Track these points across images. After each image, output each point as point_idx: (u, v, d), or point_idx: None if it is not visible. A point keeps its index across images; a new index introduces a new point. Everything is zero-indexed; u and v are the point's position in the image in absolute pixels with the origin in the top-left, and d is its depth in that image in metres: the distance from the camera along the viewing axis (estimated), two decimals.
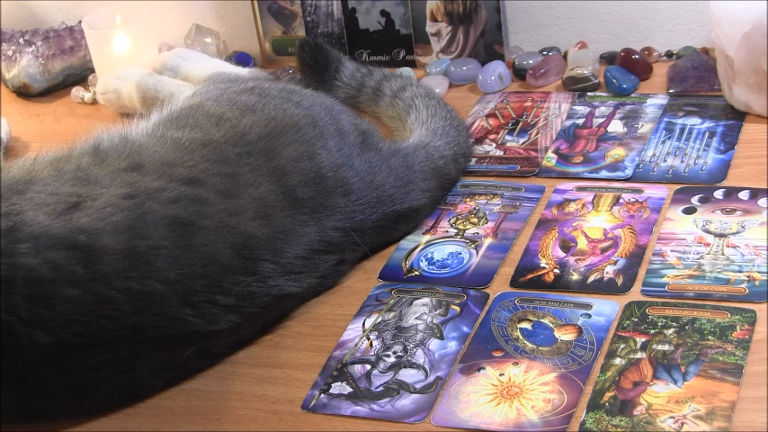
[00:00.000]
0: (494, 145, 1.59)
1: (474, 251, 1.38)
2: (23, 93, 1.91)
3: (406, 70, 1.77)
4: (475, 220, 1.43)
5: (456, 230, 1.42)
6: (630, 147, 1.53)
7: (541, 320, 1.25)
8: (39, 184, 1.24)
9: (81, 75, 1.93)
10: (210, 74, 1.68)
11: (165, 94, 1.67)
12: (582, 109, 1.64)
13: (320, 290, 1.34)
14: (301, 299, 1.33)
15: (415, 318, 1.29)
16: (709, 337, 1.19)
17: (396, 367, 1.22)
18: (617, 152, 1.53)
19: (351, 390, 1.20)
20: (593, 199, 1.43)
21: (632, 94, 1.65)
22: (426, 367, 1.22)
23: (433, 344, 1.25)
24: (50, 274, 1.15)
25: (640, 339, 1.20)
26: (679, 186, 1.43)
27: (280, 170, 1.33)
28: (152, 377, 1.23)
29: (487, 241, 1.39)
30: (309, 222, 1.32)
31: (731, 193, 1.40)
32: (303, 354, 1.27)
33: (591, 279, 1.30)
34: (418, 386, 1.20)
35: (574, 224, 1.40)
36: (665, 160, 1.49)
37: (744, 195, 1.39)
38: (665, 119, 1.58)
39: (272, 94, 1.44)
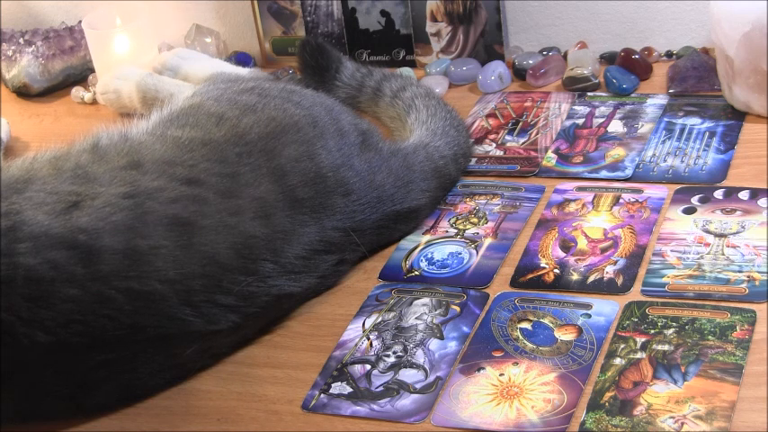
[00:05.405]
0: (494, 145, 1.59)
1: (474, 251, 1.38)
2: (23, 93, 1.91)
3: (406, 70, 1.77)
4: (475, 220, 1.43)
5: (456, 230, 1.42)
6: (630, 147, 1.53)
7: (541, 320, 1.25)
8: (38, 182, 1.24)
9: (81, 75, 1.93)
10: (210, 74, 1.68)
11: (165, 94, 1.67)
12: (582, 109, 1.64)
13: (320, 290, 1.34)
14: (301, 299, 1.33)
15: (415, 318, 1.29)
16: (709, 337, 1.19)
17: (396, 367, 1.22)
18: (617, 152, 1.53)
19: (351, 390, 1.20)
20: (593, 199, 1.43)
21: (632, 94, 1.65)
22: (426, 367, 1.22)
23: (433, 344, 1.25)
24: (50, 273, 1.15)
25: (640, 339, 1.20)
26: (679, 186, 1.43)
27: (280, 170, 1.33)
28: (152, 377, 1.22)
29: (487, 241, 1.39)
30: (309, 222, 1.32)
31: (731, 193, 1.40)
32: (303, 354, 1.27)
33: (591, 279, 1.30)
34: (418, 386, 1.19)
35: (574, 224, 1.40)
36: (665, 160, 1.49)
37: (744, 195, 1.39)
38: (665, 119, 1.58)
39: (272, 94, 1.44)
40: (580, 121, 1.61)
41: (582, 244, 1.36)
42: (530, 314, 1.27)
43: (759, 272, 1.26)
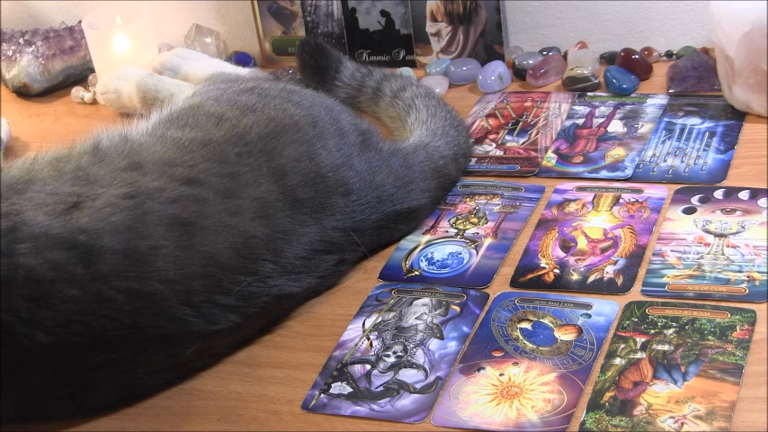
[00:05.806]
0: (494, 145, 1.59)
1: (474, 251, 1.38)
2: (23, 93, 1.91)
3: (406, 70, 1.77)
4: (475, 220, 1.43)
5: (456, 230, 1.42)
6: (630, 147, 1.53)
7: (541, 320, 1.25)
8: (38, 183, 1.24)
9: (81, 75, 1.93)
10: (210, 74, 1.68)
11: (165, 94, 1.67)
12: (582, 109, 1.64)
13: (320, 290, 1.34)
14: (301, 299, 1.33)
15: (415, 318, 1.29)
16: (709, 337, 1.19)
17: (396, 367, 1.22)
18: (617, 152, 1.53)
19: (351, 390, 1.20)
20: (593, 199, 1.43)
21: (632, 94, 1.65)
22: (426, 367, 1.22)
23: (433, 344, 1.25)
24: (50, 273, 1.15)
25: (640, 339, 1.20)
26: (679, 186, 1.43)
27: (280, 170, 1.33)
28: (152, 377, 1.23)
29: (487, 241, 1.39)
30: (309, 222, 1.32)
31: (731, 193, 1.40)
32: (303, 354, 1.27)
33: (591, 279, 1.30)
34: (418, 386, 1.19)
35: (574, 224, 1.40)
36: (665, 160, 1.49)
37: (744, 195, 1.39)
38: (665, 119, 1.58)
39: (272, 94, 1.44)
40: (580, 121, 1.61)
41: (582, 244, 1.36)
42: (530, 314, 1.27)
43: (759, 272, 1.26)
